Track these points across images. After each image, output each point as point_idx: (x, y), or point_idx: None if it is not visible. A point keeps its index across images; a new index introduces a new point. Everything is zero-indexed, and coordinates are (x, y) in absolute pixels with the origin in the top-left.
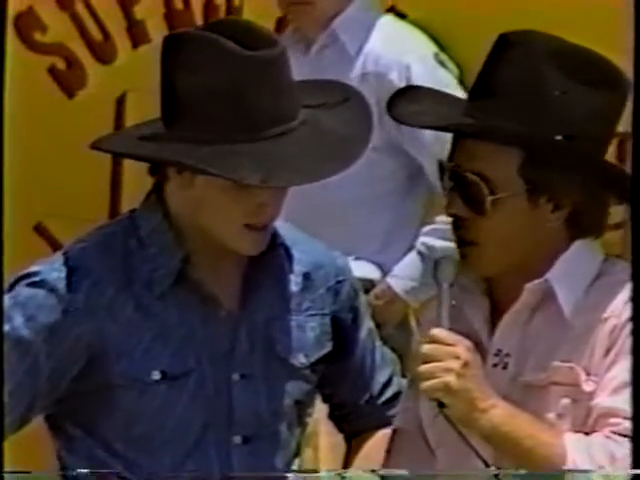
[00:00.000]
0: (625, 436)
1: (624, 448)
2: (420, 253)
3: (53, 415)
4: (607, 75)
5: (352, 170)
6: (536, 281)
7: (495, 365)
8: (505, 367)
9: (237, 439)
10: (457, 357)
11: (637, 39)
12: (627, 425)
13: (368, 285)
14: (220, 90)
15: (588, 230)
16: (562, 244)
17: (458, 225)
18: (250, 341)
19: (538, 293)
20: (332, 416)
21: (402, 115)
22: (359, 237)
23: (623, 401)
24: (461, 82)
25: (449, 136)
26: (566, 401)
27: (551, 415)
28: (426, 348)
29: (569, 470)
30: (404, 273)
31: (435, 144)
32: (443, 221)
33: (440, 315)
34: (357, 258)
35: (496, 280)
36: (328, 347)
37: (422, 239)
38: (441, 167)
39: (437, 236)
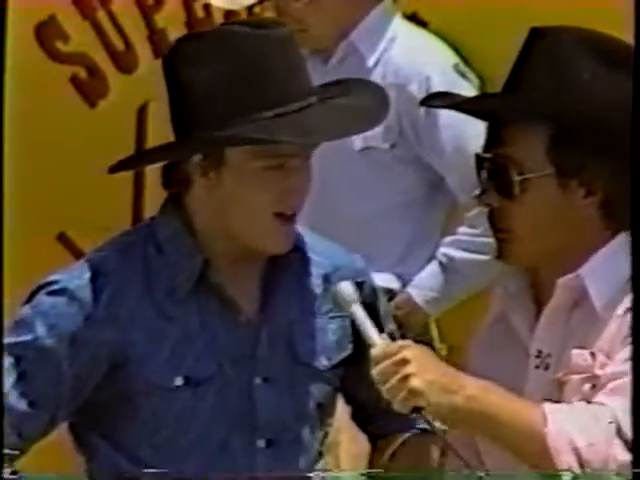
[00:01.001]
0: (615, 394)
1: (608, 410)
2: (441, 264)
3: (76, 425)
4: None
5: (373, 182)
6: (567, 276)
7: (537, 367)
8: (547, 368)
9: (261, 443)
10: (406, 361)
11: (637, 39)
12: (619, 384)
13: (388, 295)
14: (236, 70)
15: (623, 221)
16: (599, 237)
17: (492, 216)
18: (271, 345)
19: (573, 290)
20: (355, 418)
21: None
22: (380, 248)
23: (623, 367)
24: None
25: (471, 147)
26: (587, 387)
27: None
28: (376, 371)
29: (568, 471)
30: (425, 284)
31: (455, 155)
32: (464, 232)
33: (367, 335)
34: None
35: (538, 279)
36: (349, 349)
37: (443, 250)
38: (478, 160)
39: (458, 247)
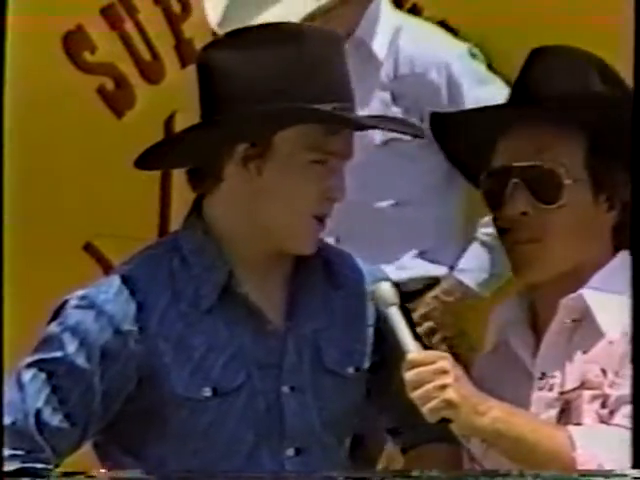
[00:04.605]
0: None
1: (630, 432)
2: (484, 243)
3: (100, 442)
4: (624, 85)
5: (396, 172)
6: (569, 296)
7: (541, 389)
8: (551, 389)
9: (290, 451)
10: (445, 371)
11: (637, 40)
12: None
13: (432, 282)
14: (294, 60)
15: (627, 240)
16: (607, 257)
17: (518, 226)
18: (298, 353)
19: (575, 310)
20: (387, 429)
21: None
22: (409, 236)
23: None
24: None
25: None
26: (597, 404)
27: (586, 421)
28: (411, 375)
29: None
30: (473, 266)
31: None
32: None
33: (403, 339)
34: (417, 256)
35: (534, 305)
36: (374, 358)
37: (483, 230)
38: (491, 174)
39: None
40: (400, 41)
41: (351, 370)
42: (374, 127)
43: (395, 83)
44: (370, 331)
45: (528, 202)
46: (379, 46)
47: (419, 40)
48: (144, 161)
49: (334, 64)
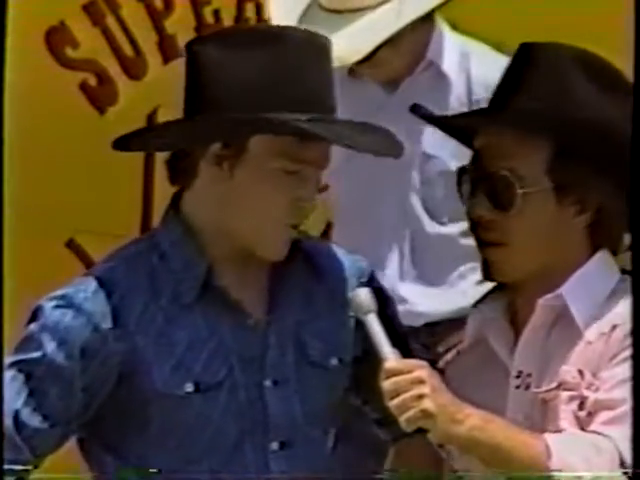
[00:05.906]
0: (614, 424)
1: (609, 440)
2: None
3: (84, 440)
4: (622, 82)
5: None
6: (548, 296)
7: (517, 387)
8: (527, 388)
9: (274, 445)
10: (422, 381)
11: (637, 40)
12: (617, 413)
13: None
14: (275, 67)
15: (605, 240)
16: (581, 256)
17: (482, 228)
18: (280, 346)
19: (554, 310)
20: (373, 420)
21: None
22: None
23: (617, 394)
24: None
25: None
26: (574, 405)
27: (563, 423)
28: (388, 384)
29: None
30: None
31: None
32: None
33: (380, 347)
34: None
35: (515, 302)
36: (358, 350)
37: None
38: (462, 171)
39: None
40: (471, 66)
41: (334, 362)
42: (346, 145)
43: (469, 106)
44: (352, 322)
45: (485, 207)
46: (448, 66)
47: (490, 64)
48: (123, 144)
49: (316, 71)
